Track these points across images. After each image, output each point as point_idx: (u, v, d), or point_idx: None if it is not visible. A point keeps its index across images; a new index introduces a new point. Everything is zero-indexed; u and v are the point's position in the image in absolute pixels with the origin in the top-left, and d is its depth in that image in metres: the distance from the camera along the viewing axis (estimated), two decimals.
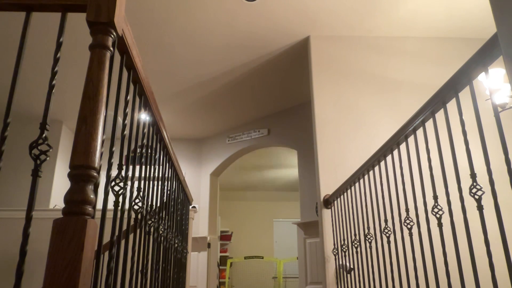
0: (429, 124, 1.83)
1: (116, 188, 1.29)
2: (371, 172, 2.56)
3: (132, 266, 1.49)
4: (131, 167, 1.50)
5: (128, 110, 1.41)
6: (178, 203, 2.83)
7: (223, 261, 8.93)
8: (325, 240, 3.41)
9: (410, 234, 1.98)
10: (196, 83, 5.18)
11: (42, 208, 4.16)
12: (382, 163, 2.36)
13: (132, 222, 1.49)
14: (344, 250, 3.04)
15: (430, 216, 1.74)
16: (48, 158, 0.98)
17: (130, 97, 1.44)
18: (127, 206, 1.42)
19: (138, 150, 1.67)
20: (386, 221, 2.31)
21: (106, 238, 1.12)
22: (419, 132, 1.89)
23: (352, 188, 2.85)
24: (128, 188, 1.39)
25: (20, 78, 1.05)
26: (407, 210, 2.03)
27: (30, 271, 1.02)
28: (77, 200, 0.90)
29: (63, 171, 5.90)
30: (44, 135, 1.00)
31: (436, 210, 1.70)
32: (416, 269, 1.91)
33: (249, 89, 5.39)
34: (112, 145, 1.24)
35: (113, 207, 1.29)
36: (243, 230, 10.36)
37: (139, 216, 1.61)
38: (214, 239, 6.42)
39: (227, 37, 4.22)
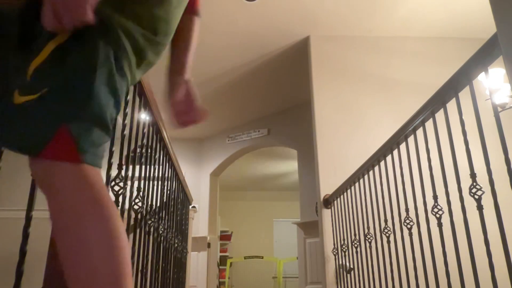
0: (429, 124, 1.82)
1: (116, 188, 1.29)
2: (371, 172, 2.56)
3: (131, 266, 1.49)
4: (131, 167, 1.50)
5: (128, 110, 1.41)
6: (178, 203, 2.83)
7: (223, 261, 8.93)
8: (325, 240, 3.41)
9: (410, 234, 1.98)
10: (196, 82, 5.13)
11: (42, 208, 4.17)
12: (382, 163, 2.36)
13: (132, 222, 1.49)
14: (344, 250, 3.04)
15: (430, 216, 1.74)
16: None
17: (130, 97, 1.44)
18: (127, 206, 1.42)
19: (138, 150, 1.67)
20: (386, 221, 2.30)
21: None
22: (419, 132, 1.89)
23: (352, 188, 2.85)
24: (128, 188, 1.39)
25: None
26: (407, 210, 2.03)
27: (29, 271, 1.02)
28: None
29: None
30: None
31: (436, 210, 1.70)
32: (416, 269, 1.91)
33: (249, 89, 5.39)
34: (112, 145, 1.24)
35: None
36: (243, 230, 10.35)
37: (139, 216, 1.61)
38: (214, 239, 6.42)
39: (227, 37, 4.22)
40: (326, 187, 3.48)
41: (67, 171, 0.62)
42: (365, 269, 2.65)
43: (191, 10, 1.08)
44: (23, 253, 0.91)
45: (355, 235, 2.78)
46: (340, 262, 3.13)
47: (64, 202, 0.61)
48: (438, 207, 1.70)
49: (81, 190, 0.62)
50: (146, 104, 1.67)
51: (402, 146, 2.08)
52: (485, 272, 1.38)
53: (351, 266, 2.93)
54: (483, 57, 1.35)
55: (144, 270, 1.70)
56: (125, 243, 0.63)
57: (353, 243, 2.80)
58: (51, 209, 0.63)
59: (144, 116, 1.70)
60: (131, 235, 1.52)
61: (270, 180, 9.94)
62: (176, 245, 2.69)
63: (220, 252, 9.11)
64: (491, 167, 1.39)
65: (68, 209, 0.61)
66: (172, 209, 2.54)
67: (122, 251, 0.62)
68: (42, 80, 0.63)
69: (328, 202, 3.47)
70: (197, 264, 5.75)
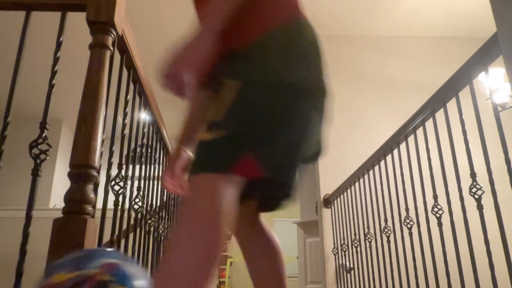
0: (429, 124, 1.82)
1: (116, 187, 1.29)
2: (371, 172, 2.56)
3: None
4: (131, 167, 1.50)
5: (128, 109, 1.41)
6: (178, 202, 2.83)
7: (222, 260, 8.93)
8: (325, 239, 3.41)
9: (410, 234, 1.98)
10: None
11: (42, 207, 4.16)
12: (382, 163, 2.36)
13: (132, 222, 1.48)
14: (344, 249, 3.04)
15: (430, 215, 1.74)
16: (48, 158, 0.98)
17: (130, 97, 1.44)
18: (127, 205, 1.42)
19: (138, 149, 1.67)
20: (386, 220, 2.30)
21: (106, 238, 1.12)
22: (419, 132, 1.89)
23: (352, 187, 2.85)
24: (128, 187, 1.39)
25: (20, 77, 1.05)
26: (407, 210, 2.02)
27: (30, 270, 1.02)
28: (77, 200, 0.90)
29: (63, 170, 5.90)
30: (44, 135, 1.00)
31: (436, 209, 1.70)
32: (416, 268, 1.91)
33: None
34: (112, 145, 1.24)
35: (113, 207, 1.29)
36: None
37: (139, 215, 1.61)
38: None
39: None
40: (326, 187, 3.48)
41: (208, 181, 0.75)
42: (365, 269, 2.65)
43: None
44: (23, 252, 0.91)
45: (355, 234, 2.78)
46: (340, 262, 3.13)
47: (189, 206, 0.75)
48: (438, 206, 1.70)
49: (203, 199, 0.74)
50: (146, 103, 1.67)
51: (402, 146, 2.08)
52: (485, 271, 1.38)
53: (351, 266, 2.93)
54: (483, 56, 1.35)
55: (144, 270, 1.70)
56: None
57: (353, 243, 2.80)
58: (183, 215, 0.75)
59: (144, 116, 1.70)
60: (131, 235, 1.52)
61: None
62: None
63: None
64: (491, 166, 1.39)
65: (189, 210, 0.74)
66: (172, 208, 2.54)
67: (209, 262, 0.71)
68: (230, 121, 0.78)
69: (328, 201, 3.47)
70: None
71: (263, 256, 1.08)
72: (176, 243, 0.73)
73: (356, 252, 2.75)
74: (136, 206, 1.57)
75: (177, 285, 0.68)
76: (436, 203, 1.71)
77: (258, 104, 0.80)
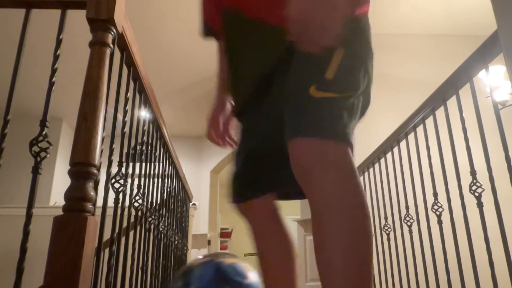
0: (429, 122, 1.82)
1: (116, 185, 1.29)
2: (371, 169, 2.56)
3: (132, 263, 1.50)
4: (131, 165, 1.50)
5: (128, 107, 1.41)
6: (178, 200, 2.83)
7: None
8: None
9: (410, 232, 1.98)
10: (198, 80, 5.17)
11: (43, 205, 4.17)
12: (382, 160, 2.36)
13: (132, 219, 1.49)
14: None
15: (430, 213, 1.74)
16: (48, 155, 0.98)
17: (130, 94, 1.44)
18: (127, 203, 1.42)
19: (138, 147, 1.67)
20: (386, 218, 2.31)
21: (106, 235, 1.12)
22: (420, 130, 1.89)
23: None
24: (128, 185, 1.39)
25: (20, 75, 1.05)
26: (407, 208, 2.03)
27: (30, 268, 1.02)
28: (77, 197, 0.90)
29: (63, 168, 5.91)
30: (44, 132, 1.00)
31: (436, 207, 1.70)
32: (416, 266, 1.91)
33: None
34: (112, 143, 1.24)
35: (113, 204, 1.29)
36: (244, 227, 10.35)
37: (139, 213, 1.61)
38: (214, 236, 6.42)
39: None
40: None
41: (340, 148, 0.73)
42: None
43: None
44: (23, 250, 0.91)
45: None
46: None
47: (335, 170, 0.73)
48: (438, 204, 1.70)
49: (348, 164, 0.73)
50: (146, 101, 1.67)
51: (403, 144, 2.08)
52: (485, 269, 1.38)
53: None
54: (483, 54, 1.34)
55: (145, 267, 1.71)
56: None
57: None
58: (322, 179, 0.72)
59: (144, 113, 1.70)
60: (132, 233, 1.52)
61: None
62: (176, 242, 2.70)
63: (221, 249, 9.12)
64: (491, 164, 1.39)
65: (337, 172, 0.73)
66: (172, 206, 2.55)
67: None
68: (340, 84, 0.78)
69: None
70: None
71: (279, 250, 1.03)
72: (332, 233, 0.72)
73: None
74: (136, 204, 1.57)
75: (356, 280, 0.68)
76: (436, 201, 1.71)
77: (357, 75, 0.83)
